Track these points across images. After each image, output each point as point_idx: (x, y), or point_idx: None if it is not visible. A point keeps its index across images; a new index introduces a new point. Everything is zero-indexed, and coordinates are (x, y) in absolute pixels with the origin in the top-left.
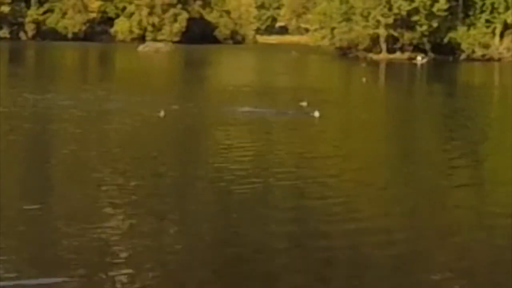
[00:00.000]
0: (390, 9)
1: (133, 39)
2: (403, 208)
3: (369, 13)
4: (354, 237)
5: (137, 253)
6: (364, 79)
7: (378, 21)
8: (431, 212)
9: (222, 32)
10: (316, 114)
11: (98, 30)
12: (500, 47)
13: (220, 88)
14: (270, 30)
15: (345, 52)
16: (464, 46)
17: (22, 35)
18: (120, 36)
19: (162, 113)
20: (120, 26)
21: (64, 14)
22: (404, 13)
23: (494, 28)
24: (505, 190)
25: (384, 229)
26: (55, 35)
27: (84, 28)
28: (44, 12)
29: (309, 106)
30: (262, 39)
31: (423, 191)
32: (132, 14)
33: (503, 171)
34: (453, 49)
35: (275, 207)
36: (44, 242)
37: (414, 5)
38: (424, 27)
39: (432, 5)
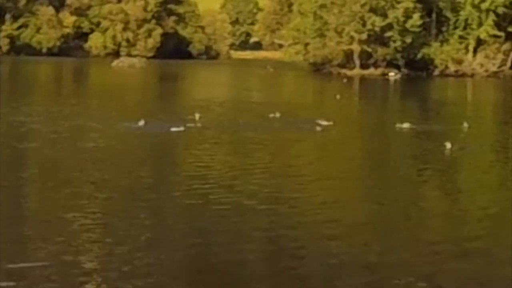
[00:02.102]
0: (363, 25)
1: (107, 54)
2: (377, 221)
3: (343, 29)
4: (327, 249)
5: (108, 265)
6: (337, 96)
7: (351, 37)
8: (406, 224)
9: (196, 47)
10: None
11: (72, 45)
12: (473, 63)
13: (193, 103)
14: (244, 45)
15: (318, 68)
16: (437, 62)
17: None
18: (94, 51)
19: (141, 122)
20: (95, 41)
21: (38, 29)
22: (377, 29)
23: (468, 44)
24: (482, 199)
25: (359, 239)
26: (30, 50)
27: (58, 43)
28: (19, 27)
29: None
30: (236, 54)
31: (397, 203)
32: (106, 29)
33: (476, 184)
34: (426, 64)
35: (250, 218)
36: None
37: (388, 21)
38: (398, 43)
39: (405, 21)
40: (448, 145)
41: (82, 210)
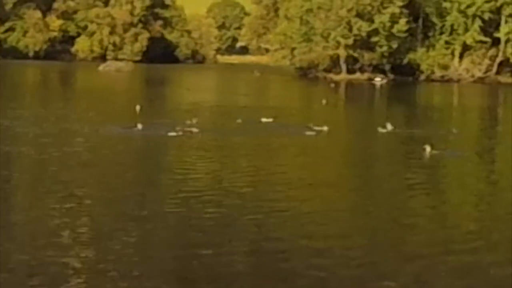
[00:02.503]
0: (350, 30)
1: (94, 58)
2: (363, 229)
3: (329, 34)
4: (314, 257)
5: (99, 263)
6: (324, 101)
7: (338, 42)
8: (392, 233)
9: (182, 51)
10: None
11: (59, 49)
12: (459, 68)
13: (184, 107)
14: (230, 50)
15: (305, 73)
16: (423, 67)
17: None
18: (81, 55)
19: (139, 126)
20: (81, 45)
21: (25, 32)
22: (364, 34)
23: (454, 50)
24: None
25: (345, 249)
26: (16, 54)
27: (45, 46)
28: (5, 31)
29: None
30: (223, 59)
31: (384, 212)
32: (93, 33)
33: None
34: (412, 70)
35: (236, 221)
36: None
37: (374, 26)
38: (384, 48)
39: (391, 27)
40: (428, 148)
41: (67, 216)
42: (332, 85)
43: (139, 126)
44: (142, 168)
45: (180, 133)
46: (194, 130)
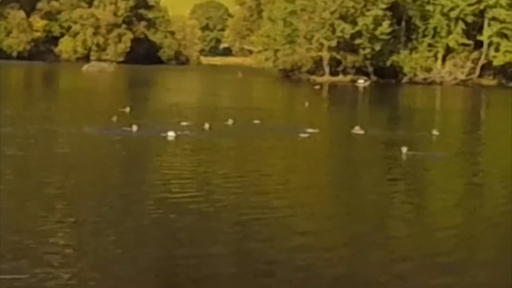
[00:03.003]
0: (333, 32)
1: (77, 59)
2: (345, 231)
3: (312, 36)
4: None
5: (79, 266)
6: (306, 103)
7: (321, 44)
8: (374, 236)
9: (166, 52)
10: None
11: (42, 49)
12: (442, 71)
13: (167, 108)
14: (214, 51)
15: (288, 74)
16: (406, 69)
17: None
18: (64, 56)
19: (134, 128)
20: (65, 46)
21: (8, 33)
22: (347, 36)
23: (436, 52)
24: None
25: (327, 248)
26: (0, 54)
27: (28, 47)
28: None
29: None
30: (206, 60)
31: (364, 212)
32: (77, 33)
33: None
34: (395, 72)
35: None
36: None
37: (357, 28)
38: (367, 50)
39: (375, 29)
40: (404, 149)
41: (52, 218)
42: (317, 87)
43: (134, 127)
44: (129, 169)
45: (172, 134)
46: (186, 132)
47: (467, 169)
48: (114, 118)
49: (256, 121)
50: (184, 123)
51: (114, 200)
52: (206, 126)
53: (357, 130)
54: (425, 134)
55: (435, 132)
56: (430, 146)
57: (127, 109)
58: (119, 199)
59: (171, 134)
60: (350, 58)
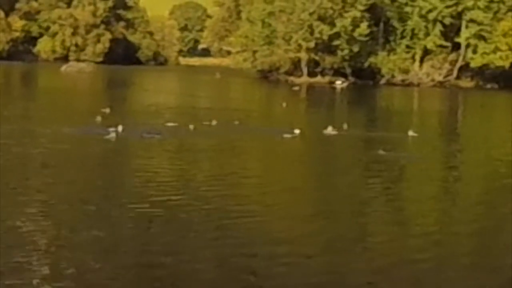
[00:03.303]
0: (311, 33)
1: (56, 59)
2: (324, 234)
3: (290, 37)
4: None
5: (57, 269)
6: (284, 104)
7: (299, 45)
8: (351, 237)
9: (144, 53)
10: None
11: (21, 49)
12: (419, 72)
13: (147, 109)
14: (192, 52)
15: (266, 75)
16: (384, 71)
17: None
18: (43, 56)
19: (120, 130)
20: (44, 46)
21: None
22: (325, 37)
23: (414, 54)
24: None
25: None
26: None
27: (7, 47)
28: None
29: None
30: (185, 61)
31: (341, 215)
32: (55, 34)
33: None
34: (373, 73)
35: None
36: None
37: (336, 29)
38: (345, 52)
39: (353, 30)
40: (382, 152)
41: (31, 219)
42: (296, 87)
43: (120, 128)
44: (111, 171)
45: (156, 135)
46: (171, 132)
47: (442, 170)
48: (99, 119)
49: (236, 122)
50: (169, 124)
51: (92, 201)
52: (191, 127)
53: (330, 131)
54: (401, 135)
55: (411, 133)
56: (406, 147)
57: (107, 110)
58: (98, 201)
59: (154, 135)
60: (328, 59)
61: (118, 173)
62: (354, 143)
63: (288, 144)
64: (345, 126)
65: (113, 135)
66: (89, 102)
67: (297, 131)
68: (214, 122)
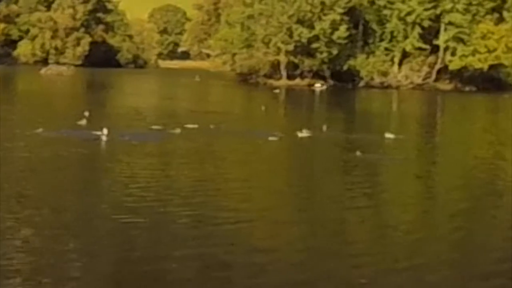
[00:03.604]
0: (290, 36)
1: (36, 62)
2: (302, 237)
3: (270, 40)
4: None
5: (36, 272)
6: (263, 107)
7: (278, 48)
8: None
9: (124, 56)
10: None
11: (1, 52)
12: (398, 75)
13: (123, 111)
14: (172, 55)
15: (245, 78)
16: (363, 73)
17: None
18: (23, 59)
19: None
20: (23, 49)
21: None
22: (304, 40)
23: (393, 56)
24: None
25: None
26: None
27: None
28: None
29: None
30: (164, 63)
31: (321, 217)
32: (35, 37)
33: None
34: (352, 76)
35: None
36: None
37: (315, 32)
38: (324, 54)
39: (332, 33)
40: (359, 153)
41: (10, 226)
42: (277, 90)
43: (104, 131)
44: (93, 174)
45: (137, 139)
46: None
47: (419, 171)
48: (83, 122)
49: (212, 126)
50: (152, 127)
51: (73, 206)
52: (174, 130)
53: (304, 133)
54: (378, 137)
55: (387, 135)
56: (382, 149)
57: (86, 113)
58: (79, 206)
59: (137, 138)
60: (307, 62)
61: (100, 177)
62: (331, 146)
63: (265, 147)
64: (324, 128)
65: (100, 138)
66: (69, 105)
67: (275, 135)
68: (191, 126)
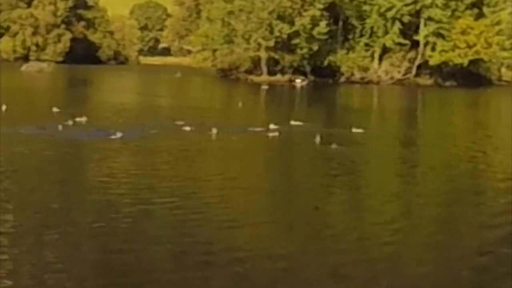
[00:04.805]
0: (271, 32)
1: (16, 59)
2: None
3: (250, 36)
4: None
5: (14, 273)
6: (240, 104)
7: (259, 44)
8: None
9: (105, 52)
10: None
11: None
12: (378, 70)
13: (101, 107)
14: (153, 51)
15: (226, 74)
16: (343, 69)
17: None
18: (3, 55)
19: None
20: (4, 46)
21: None
22: (285, 36)
23: (373, 52)
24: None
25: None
26: None
27: None
28: None
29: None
30: (145, 60)
31: (301, 213)
32: (16, 33)
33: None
34: (332, 71)
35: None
36: None
37: (295, 28)
38: (305, 50)
39: (312, 29)
40: (318, 138)
41: None
42: (265, 86)
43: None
44: (73, 171)
45: (118, 136)
46: (143, 132)
47: (387, 164)
48: (70, 123)
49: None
50: (132, 124)
51: (54, 202)
52: (152, 130)
53: (272, 127)
54: (345, 131)
55: (354, 129)
56: (351, 143)
57: (55, 109)
58: (56, 202)
59: (116, 136)
60: (288, 57)
61: (82, 175)
62: (292, 139)
63: (232, 143)
64: (293, 122)
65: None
66: (49, 102)
67: (246, 130)
68: (179, 122)
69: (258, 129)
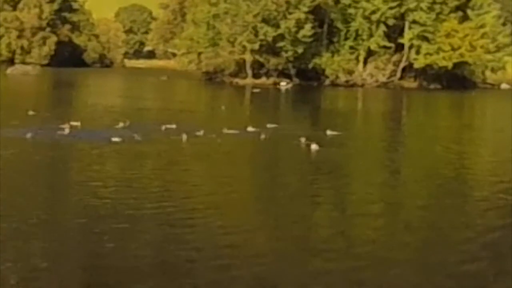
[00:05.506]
0: (256, 35)
1: (1, 62)
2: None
3: (235, 39)
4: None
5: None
6: (223, 107)
7: (244, 47)
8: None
9: (90, 55)
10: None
11: None
12: (363, 73)
13: (87, 109)
14: (138, 54)
15: (211, 77)
16: (328, 72)
17: None
18: None
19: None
20: None
21: None
22: (269, 39)
23: (358, 55)
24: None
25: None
26: None
27: None
28: None
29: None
30: (130, 63)
31: (287, 215)
32: (1, 36)
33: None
34: (317, 74)
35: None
36: None
37: (280, 31)
38: (289, 53)
39: (297, 32)
40: (303, 140)
41: None
42: (256, 90)
43: (66, 130)
44: (59, 175)
45: (117, 139)
46: (136, 136)
47: (368, 166)
48: (66, 130)
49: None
50: (122, 124)
51: (37, 205)
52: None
53: (250, 129)
54: (320, 133)
55: (329, 132)
56: (329, 144)
57: (31, 112)
58: (42, 205)
59: (105, 139)
60: (273, 60)
61: (69, 179)
62: (277, 140)
63: (210, 145)
64: (270, 125)
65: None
66: (34, 105)
67: (220, 132)
68: (169, 125)
69: (235, 131)
